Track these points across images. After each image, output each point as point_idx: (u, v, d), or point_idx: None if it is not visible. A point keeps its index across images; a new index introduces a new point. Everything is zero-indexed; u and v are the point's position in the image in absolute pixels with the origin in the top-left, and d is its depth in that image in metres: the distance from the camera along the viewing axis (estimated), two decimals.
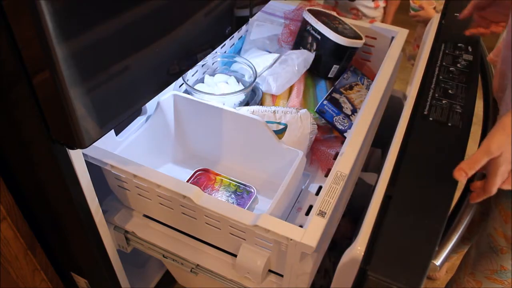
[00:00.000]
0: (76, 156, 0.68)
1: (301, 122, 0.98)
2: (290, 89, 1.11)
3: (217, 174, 0.97)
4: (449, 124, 0.76)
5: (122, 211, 0.90)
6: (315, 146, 1.03)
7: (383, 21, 1.64)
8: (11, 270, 0.84)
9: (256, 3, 0.93)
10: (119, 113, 0.65)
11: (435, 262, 0.65)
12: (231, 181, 0.95)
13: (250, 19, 0.94)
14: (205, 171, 0.97)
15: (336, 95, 1.07)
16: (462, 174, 0.60)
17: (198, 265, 0.84)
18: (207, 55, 0.82)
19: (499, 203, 0.83)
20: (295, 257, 0.70)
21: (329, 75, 1.15)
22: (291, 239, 0.66)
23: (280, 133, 0.98)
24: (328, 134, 1.07)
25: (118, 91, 0.63)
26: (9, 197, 0.77)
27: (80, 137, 0.59)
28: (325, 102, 1.04)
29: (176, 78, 0.77)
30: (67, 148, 0.65)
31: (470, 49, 0.94)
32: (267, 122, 0.96)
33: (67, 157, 0.67)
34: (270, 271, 0.81)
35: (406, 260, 0.58)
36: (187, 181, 0.94)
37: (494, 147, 0.59)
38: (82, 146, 0.61)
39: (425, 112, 0.78)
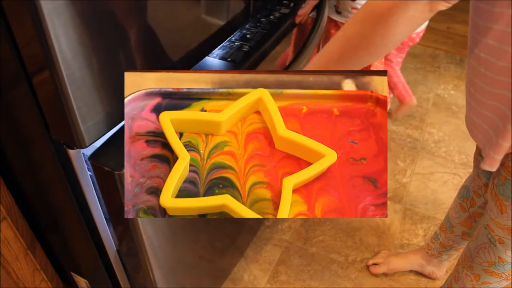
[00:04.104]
0: (76, 156, 0.67)
1: None
2: None
3: None
4: (229, 59, 0.84)
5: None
6: None
7: None
8: (11, 270, 0.85)
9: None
10: (120, 111, 0.65)
11: None
12: None
13: None
14: None
15: None
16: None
17: None
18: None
19: (496, 194, 0.84)
20: None
21: None
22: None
23: None
24: None
25: (119, 91, 0.62)
26: (9, 197, 0.77)
27: (80, 137, 0.59)
28: None
29: None
30: (67, 148, 0.65)
31: (292, 5, 1.02)
32: None
33: (67, 157, 0.66)
34: None
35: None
36: None
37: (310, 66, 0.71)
38: (82, 145, 0.61)
39: (214, 51, 0.86)
